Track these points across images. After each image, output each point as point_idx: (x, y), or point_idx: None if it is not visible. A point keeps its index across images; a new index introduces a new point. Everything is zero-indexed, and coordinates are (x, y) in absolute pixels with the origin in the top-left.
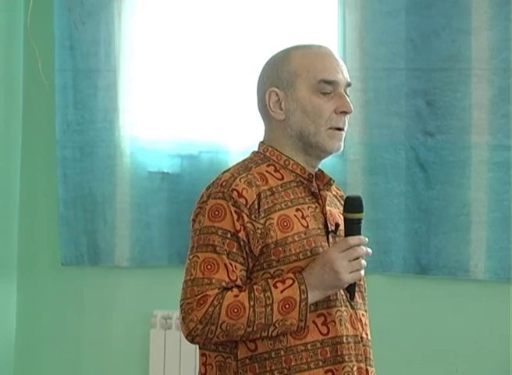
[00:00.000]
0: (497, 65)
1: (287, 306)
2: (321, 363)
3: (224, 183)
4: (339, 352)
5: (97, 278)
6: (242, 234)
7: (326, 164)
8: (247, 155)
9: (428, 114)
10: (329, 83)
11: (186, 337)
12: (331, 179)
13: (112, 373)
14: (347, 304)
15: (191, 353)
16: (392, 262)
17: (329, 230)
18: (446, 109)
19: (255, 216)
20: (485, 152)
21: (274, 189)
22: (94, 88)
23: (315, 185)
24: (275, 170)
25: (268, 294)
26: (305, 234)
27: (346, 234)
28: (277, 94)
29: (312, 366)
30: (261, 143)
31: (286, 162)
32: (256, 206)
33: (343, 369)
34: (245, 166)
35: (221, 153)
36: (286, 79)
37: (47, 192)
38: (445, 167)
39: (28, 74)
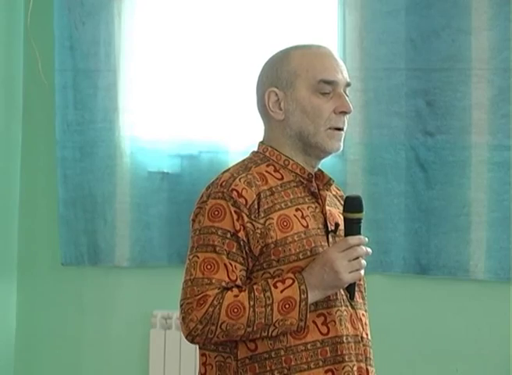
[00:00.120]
0: (497, 65)
1: (287, 306)
2: (321, 363)
3: (224, 184)
4: (339, 352)
5: (97, 278)
6: (242, 234)
7: (326, 164)
8: (247, 155)
9: (428, 114)
10: (329, 83)
11: (186, 337)
12: (330, 179)
13: (112, 373)
14: (347, 304)
15: (191, 353)
16: (392, 262)
17: (329, 229)
18: (446, 109)
19: (255, 216)
20: (485, 152)
21: (274, 189)
22: (94, 88)
23: (315, 185)
24: (275, 170)
25: (268, 294)
26: (305, 234)
27: (346, 234)
28: (276, 94)
29: (312, 366)
30: (261, 143)
31: (286, 162)
32: (256, 206)
33: (343, 368)
34: (245, 166)
35: (221, 153)
36: (286, 79)
37: (47, 192)
38: (445, 167)
39: (28, 74)
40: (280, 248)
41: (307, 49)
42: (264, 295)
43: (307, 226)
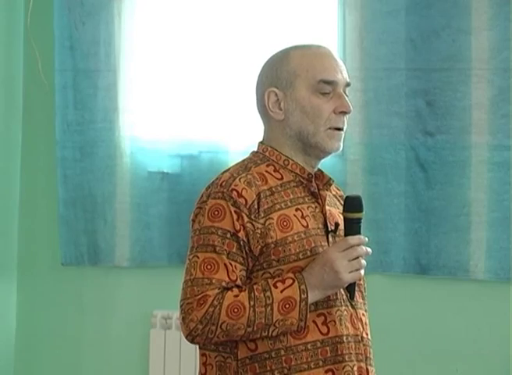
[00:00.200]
0: (497, 65)
1: (287, 306)
2: (321, 363)
3: (223, 184)
4: (339, 352)
5: (97, 278)
6: (242, 234)
7: (326, 164)
8: (247, 155)
9: (428, 114)
10: (328, 83)
11: (187, 337)
12: (330, 179)
13: (112, 373)
14: (347, 303)
15: (191, 353)
16: (392, 262)
17: (329, 229)
18: (446, 109)
19: (255, 216)
20: (485, 152)
21: (273, 189)
22: (94, 88)
23: (315, 185)
24: (275, 170)
25: (268, 293)
26: (305, 234)
27: (346, 234)
28: (276, 95)
29: (312, 366)
30: (261, 143)
31: (286, 162)
32: (256, 206)
33: (343, 368)
34: (244, 166)
35: (221, 153)
36: (285, 79)
37: (47, 192)
38: (445, 167)
39: (28, 74)
40: (280, 248)
41: (306, 49)
42: (264, 295)
43: (307, 226)
